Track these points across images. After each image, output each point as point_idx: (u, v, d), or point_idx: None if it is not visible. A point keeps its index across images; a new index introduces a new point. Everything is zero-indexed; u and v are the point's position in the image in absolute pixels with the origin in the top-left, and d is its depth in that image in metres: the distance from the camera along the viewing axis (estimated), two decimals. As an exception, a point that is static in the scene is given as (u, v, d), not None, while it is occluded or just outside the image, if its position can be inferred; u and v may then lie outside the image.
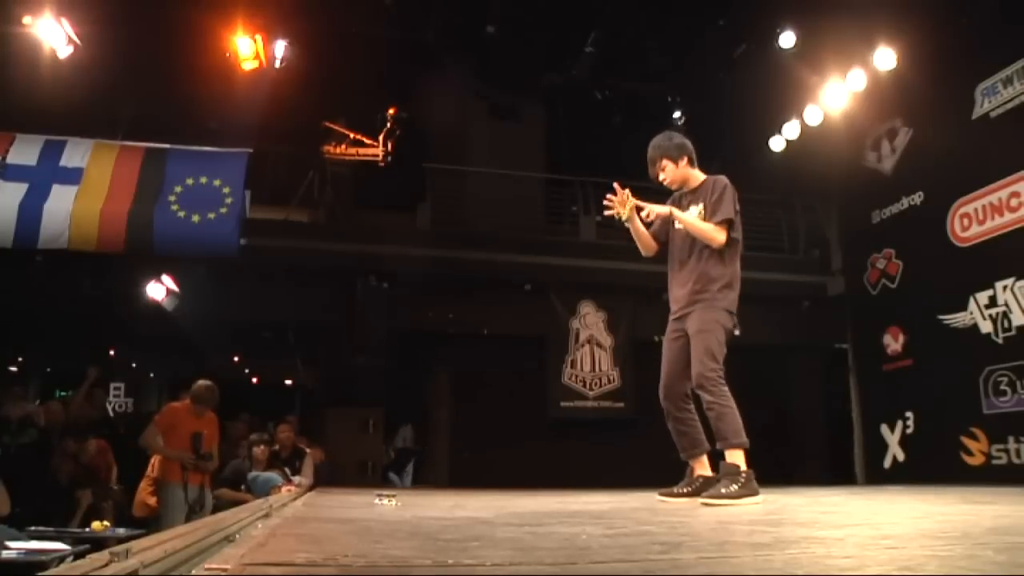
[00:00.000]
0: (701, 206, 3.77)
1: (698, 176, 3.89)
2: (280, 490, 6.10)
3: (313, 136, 10.57)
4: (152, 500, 6.30)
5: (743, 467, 3.46)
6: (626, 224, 3.87)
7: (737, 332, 3.72)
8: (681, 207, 3.88)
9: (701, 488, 3.60)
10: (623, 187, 3.85)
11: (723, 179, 3.81)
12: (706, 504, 3.30)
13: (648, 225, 3.92)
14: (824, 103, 9.06)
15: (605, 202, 3.87)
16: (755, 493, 3.38)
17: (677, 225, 3.83)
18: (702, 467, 3.74)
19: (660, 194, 4.06)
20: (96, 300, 8.88)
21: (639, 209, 3.83)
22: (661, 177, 3.88)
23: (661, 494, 3.71)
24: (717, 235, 3.67)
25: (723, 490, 3.37)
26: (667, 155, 3.87)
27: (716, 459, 3.70)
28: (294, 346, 11.29)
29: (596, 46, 9.67)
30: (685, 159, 3.87)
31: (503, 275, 9.74)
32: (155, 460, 6.44)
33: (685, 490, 3.68)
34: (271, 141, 9.62)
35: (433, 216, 10.03)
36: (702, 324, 3.66)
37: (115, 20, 8.15)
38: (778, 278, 10.12)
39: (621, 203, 3.81)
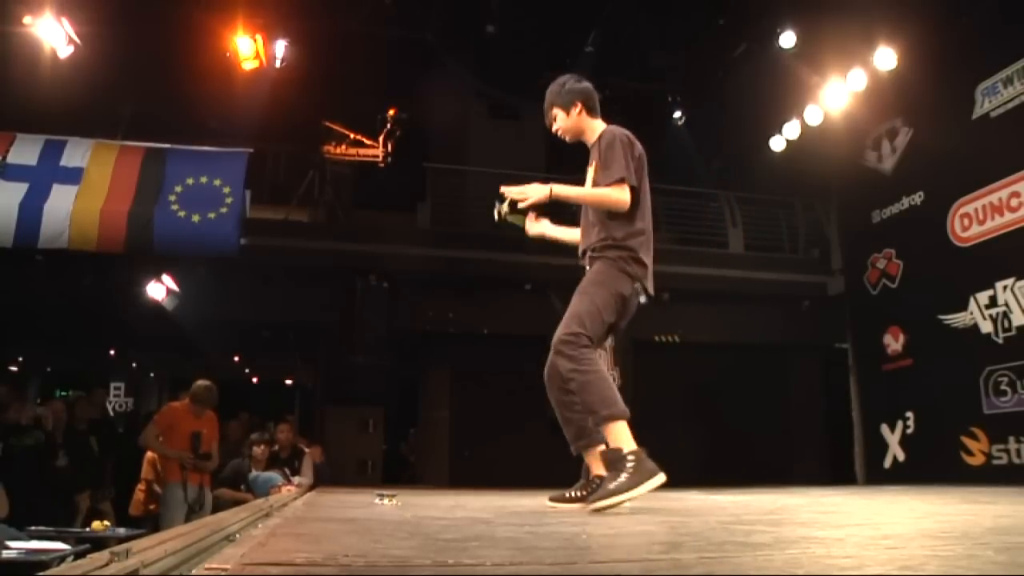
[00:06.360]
0: (595, 163, 3.20)
1: (597, 127, 3.27)
2: (280, 490, 6.11)
3: (313, 136, 10.57)
4: (147, 500, 6.31)
5: (628, 448, 2.79)
6: (531, 232, 3.35)
7: (643, 299, 3.11)
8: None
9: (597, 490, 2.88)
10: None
11: (613, 130, 3.19)
12: (596, 511, 2.63)
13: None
14: (824, 103, 9.05)
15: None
16: (651, 475, 2.70)
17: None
18: (599, 465, 3.01)
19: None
20: (96, 299, 8.88)
21: (515, 204, 3.18)
22: (555, 128, 3.32)
23: (551, 499, 3.17)
24: (618, 195, 3.02)
25: (610, 486, 2.68)
26: (556, 103, 3.30)
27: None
28: (294, 345, 11.30)
29: (596, 46, 9.66)
30: (579, 106, 3.27)
31: (503, 275, 9.73)
32: (146, 462, 6.45)
33: (578, 493, 3.08)
34: (271, 141, 9.64)
35: (433, 216, 10.02)
36: (585, 283, 3.11)
37: (115, 20, 8.16)
38: (778, 277, 10.08)
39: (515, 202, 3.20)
